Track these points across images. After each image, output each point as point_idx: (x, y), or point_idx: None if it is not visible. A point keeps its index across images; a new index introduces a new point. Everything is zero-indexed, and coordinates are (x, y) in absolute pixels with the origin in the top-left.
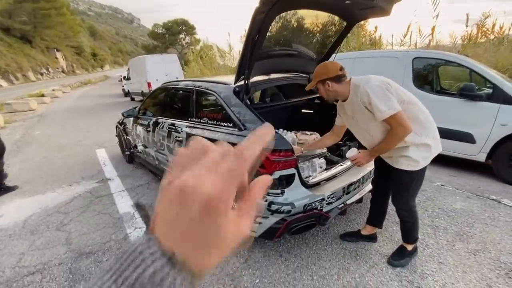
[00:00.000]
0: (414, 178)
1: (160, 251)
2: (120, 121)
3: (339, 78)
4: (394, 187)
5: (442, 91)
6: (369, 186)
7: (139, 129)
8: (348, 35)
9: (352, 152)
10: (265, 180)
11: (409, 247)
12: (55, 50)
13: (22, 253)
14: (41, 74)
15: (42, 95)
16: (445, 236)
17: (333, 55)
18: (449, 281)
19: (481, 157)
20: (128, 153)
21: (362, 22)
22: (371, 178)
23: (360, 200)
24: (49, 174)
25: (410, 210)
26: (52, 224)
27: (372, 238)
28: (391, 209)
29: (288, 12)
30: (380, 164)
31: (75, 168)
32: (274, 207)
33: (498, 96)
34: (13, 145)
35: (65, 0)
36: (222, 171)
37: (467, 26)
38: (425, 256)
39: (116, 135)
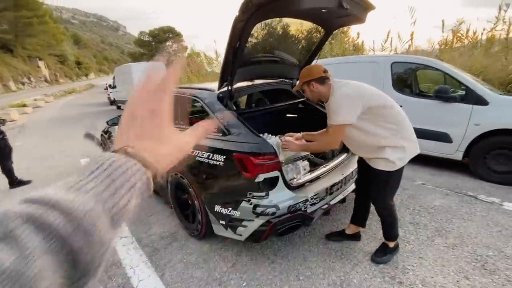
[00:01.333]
0: (391, 178)
1: (123, 153)
2: (105, 130)
3: (323, 79)
4: (372, 186)
5: (420, 94)
6: (352, 186)
7: None
8: (332, 41)
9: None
10: (208, 123)
11: (391, 244)
12: (37, 59)
13: None
14: (23, 83)
15: (24, 105)
16: (425, 232)
17: (314, 61)
18: (429, 274)
19: (458, 156)
20: None
21: (345, 29)
22: (354, 179)
23: (343, 200)
24: (31, 185)
25: (388, 209)
26: None
27: (356, 237)
28: (374, 208)
29: (269, 20)
30: (362, 165)
31: (59, 179)
32: (259, 209)
33: (470, 97)
34: None
35: (47, 8)
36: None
37: (443, 31)
38: (407, 252)
39: (99, 144)
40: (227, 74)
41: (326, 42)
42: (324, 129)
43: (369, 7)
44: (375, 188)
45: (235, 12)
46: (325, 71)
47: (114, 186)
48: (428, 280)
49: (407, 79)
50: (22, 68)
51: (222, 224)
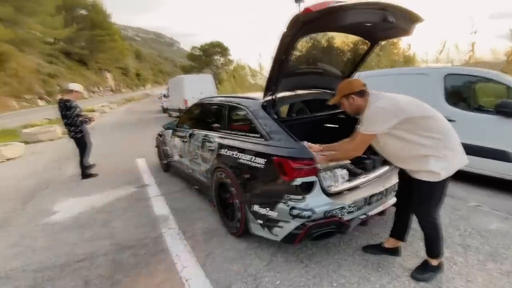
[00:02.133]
0: (436, 190)
1: None
2: (160, 133)
3: (362, 93)
4: (415, 198)
5: (478, 109)
6: (393, 200)
7: (177, 140)
8: (380, 53)
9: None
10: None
11: (434, 262)
12: (106, 71)
13: (74, 243)
14: (93, 92)
15: (93, 111)
16: (476, 256)
17: (357, 73)
18: None
19: None
20: (165, 162)
21: (395, 40)
22: (395, 191)
23: (383, 213)
24: (97, 178)
25: (432, 222)
26: (98, 221)
27: (395, 251)
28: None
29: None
30: (403, 176)
31: (119, 175)
32: (295, 212)
33: None
34: (67, 152)
35: (117, 28)
36: None
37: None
38: (452, 274)
39: (155, 146)
40: (272, 84)
41: (373, 54)
42: (345, 139)
43: (416, 20)
44: (418, 200)
45: (282, 28)
46: (364, 85)
47: None
48: None
49: (462, 93)
50: (93, 79)
51: (259, 224)
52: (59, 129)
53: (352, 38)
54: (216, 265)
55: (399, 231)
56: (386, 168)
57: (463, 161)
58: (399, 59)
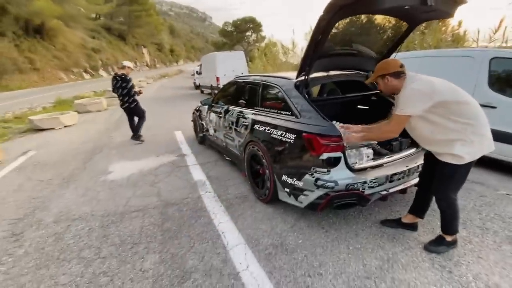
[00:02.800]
0: (457, 172)
1: None
2: (197, 108)
3: (398, 74)
4: (436, 179)
5: None
6: (415, 180)
7: (212, 115)
8: (425, 30)
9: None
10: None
11: (448, 238)
12: (142, 46)
13: (129, 197)
14: None
15: None
16: (493, 238)
17: (394, 54)
18: (484, 272)
19: None
20: (201, 135)
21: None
22: (418, 172)
23: (404, 191)
24: (141, 146)
25: (449, 202)
26: (147, 181)
27: (412, 227)
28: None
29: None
30: (428, 158)
31: (160, 144)
32: (320, 182)
33: None
34: (114, 123)
35: (152, 2)
36: None
37: None
38: (465, 250)
39: (192, 120)
40: (306, 65)
41: (418, 32)
42: (383, 121)
43: (459, 1)
44: (438, 180)
45: (320, 11)
46: (401, 66)
47: None
48: (481, 276)
49: (509, 78)
50: (131, 54)
51: (286, 192)
52: (105, 101)
53: (390, 19)
54: (247, 224)
55: (419, 208)
56: (412, 150)
57: (490, 147)
58: (446, 38)
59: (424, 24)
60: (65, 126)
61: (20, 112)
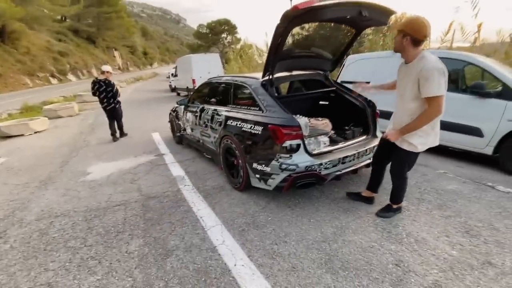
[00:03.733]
0: (410, 158)
1: None
2: (173, 109)
3: (418, 42)
4: (394, 160)
5: (458, 89)
6: (365, 162)
7: (189, 115)
8: (387, 33)
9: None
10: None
11: (394, 206)
12: (114, 49)
13: (110, 194)
14: None
15: None
16: (426, 206)
17: (345, 56)
18: (415, 230)
19: (489, 151)
20: (178, 135)
21: (403, 21)
22: (368, 155)
23: (355, 171)
24: (119, 148)
25: (401, 179)
26: (127, 179)
27: (369, 200)
28: (387, 182)
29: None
30: (384, 142)
31: (137, 146)
32: (283, 166)
33: (506, 94)
34: (88, 127)
35: (123, 4)
36: None
37: None
38: (403, 216)
39: (169, 121)
40: (269, 66)
41: (380, 34)
42: (389, 84)
43: (389, 13)
44: (395, 162)
45: (277, 20)
46: (426, 37)
47: None
48: (413, 233)
49: (451, 75)
50: (102, 57)
51: (257, 178)
52: (76, 106)
53: (340, 26)
54: (223, 209)
55: (374, 185)
56: (363, 137)
57: (436, 142)
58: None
59: (386, 27)
60: (35, 132)
61: None
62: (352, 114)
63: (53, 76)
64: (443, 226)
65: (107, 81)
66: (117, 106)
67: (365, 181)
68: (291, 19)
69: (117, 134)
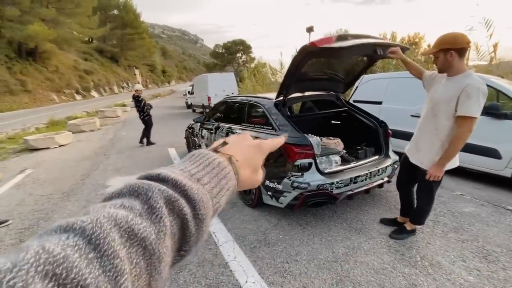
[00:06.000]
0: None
1: (226, 158)
2: (190, 126)
3: (464, 52)
4: (423, 183)
5: None
6: (377, 182)
7: (204, 131)
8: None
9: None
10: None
11: (409, 227)
12: (134, 67)
13: None
14: (123, 87)
15: (124, 105)
16: (442, 228)
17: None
18: (429, 253)
19: (507, 173)
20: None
21: (416, 40)
22: (381, 176)
23: (367, 191)
24: (137, 163)
25: (430, 200)
26: None
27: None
28: (398, 202)
29: None
30: (409, 165)
31: (154, 160)
32: (295, 184)
33: None
34: (109, 141)
35: (145, 26)
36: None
37: None
38: (417, 238)
39: (185, 137)
40: (284, 89)
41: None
42: (417, 68)
43: (403, 49)
44: (425, 185)
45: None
46: (468, 43)
47: (220, 186)
48: (427, 257)
49: None
50: (123, 75)
51: (269, 195)
52: (98, 121)
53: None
54: (235, 225)
55: (407, 209)
56: (375, 157)
57: (456, 163)
58: (420, 59)
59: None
60: (60, 146)
61: (13, 133)
62: (364, 133)
63: (77, 92)
64: (459, 250)
65: (136, 97)
66: (146, 118)
67: (377, 201)
68: (308, 53)
69: (144, 141)
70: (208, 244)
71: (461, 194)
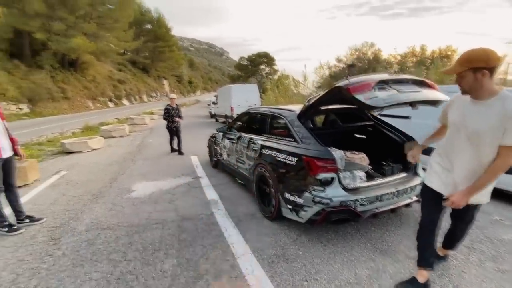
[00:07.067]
0: (477, 207)
1: None
2: (213, 135)
3: (495, 71)
4: (471, 214)
5: None
6: (405, 201)
7: (226, 141)
8: (431, 66)
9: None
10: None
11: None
12: (163, 78)
13: (150, 212)
14: (152, 96)
15: (152, 113)
16: (478, 256)
17: None
18: (464, 283)
19: None
20: (215, 159)
21: (449, 53)
22: (410, 194)
23: (394, 211)
24: (161, 169)
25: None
26: (165, 199)
27: (445, 258)
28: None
29: None
30: (429, 193)
31: (177, 167)
32: (317, 199)
33: None
34: (136, 147)
35: (175, 39)
36: None
37: None
38: (450, 265)
39: (207, 146)
40: (309, 111)
41: (423, 67)
42: (436, 131)
43: (437, 102)
44: (473, 216)
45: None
46: (499, 59)
47: None
48: (461, 287)
49: None
50: (152, 85)
51: (289, 208)
52: (127, 127)
53: None
54: (254, 237)
55: (450, 243)
56: (403, 174)
57: (486, 199)
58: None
59: (430, 61)
60: (92, 150)
61: (52, 136)
62: (390, 149)
63: (110, 100)
64: (498, 281)
65: (175, 106)
66: (178, 125)
67: (405, 221)
68: (339, 95)
69: (176, 149)
70: (226, 255)
71: (499, 219)
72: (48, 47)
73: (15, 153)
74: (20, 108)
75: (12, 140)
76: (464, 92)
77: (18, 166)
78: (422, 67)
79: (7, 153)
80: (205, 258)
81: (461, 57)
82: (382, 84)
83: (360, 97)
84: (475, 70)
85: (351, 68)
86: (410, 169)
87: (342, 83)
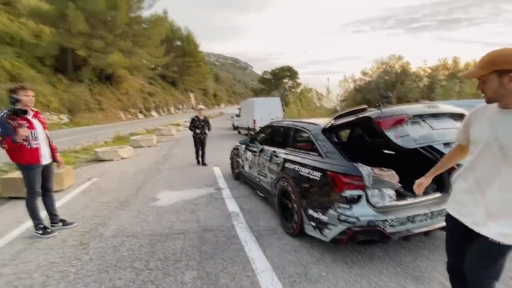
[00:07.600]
0: (506, 254)
1: None
2: (235, 147)
3: None
4: (480, 260)
5: None
6: (440, 224)
7: (249, 154)
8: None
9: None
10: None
11: None
12: (190, 91)
13: (173, 221)
14: (178, 109)
15: (178, 125)
16: None
17: None
18: None
19: None
20: (237, 171)
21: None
22: (443, 216)
23: (427, 233)
24: (184, 179)
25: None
26: (188, 209)
27: None
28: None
29: None
30: (460, 230)
31: (200, 178)
32: (342, 217)
33: None
34: (162, 157)
35: (202, 55)
36: None
37: None
38: None
39: (230, 158)
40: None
41: (457, 80)
42: (449, 155)
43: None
44: (482, 263)
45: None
46: None
47: None
48: None
49: None
50: (180, 98)
51: (312, 225)
52: (155, 138)
53: None
54: (275, 253)
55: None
56: (437, 194)
57: None
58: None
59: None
60: (122, 158)
61: (87, 145)
62: (423, 167)
63: (141, 112)
64: None
65: (195, 117)
66: (202, 137)
67: (440, 245)
68: (368, 123)
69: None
70: (246, 271)
71: None
72: (88, 62)
73: (54, 159)
74: (60, 118)
75: (52, 148)
76: (489, 100)
77: (56, 172)
78: (456, 80)
79: (47, 160)
80: (225, 272)
81: (483, 58)
82: (416, 118)
83: (390, 134)
84: (500, 73)
85: (386, 99)
86: (445, 188)
87: (373, 113)
